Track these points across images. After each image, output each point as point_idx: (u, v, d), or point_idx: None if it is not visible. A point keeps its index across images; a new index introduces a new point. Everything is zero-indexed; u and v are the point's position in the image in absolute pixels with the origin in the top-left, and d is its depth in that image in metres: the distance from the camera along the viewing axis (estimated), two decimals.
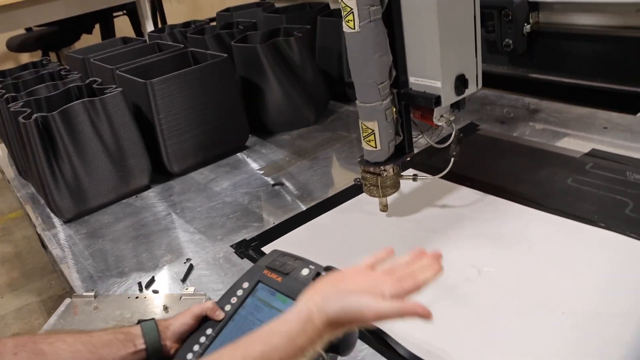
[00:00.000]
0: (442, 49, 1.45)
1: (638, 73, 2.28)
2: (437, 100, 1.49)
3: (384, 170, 1.60)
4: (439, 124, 1.56)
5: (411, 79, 1.55)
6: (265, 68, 2.35)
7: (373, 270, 0.95)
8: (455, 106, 1.58)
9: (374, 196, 1.66)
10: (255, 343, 0.80)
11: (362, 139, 1.61)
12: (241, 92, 2.42)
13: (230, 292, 1.11)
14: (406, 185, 1.85)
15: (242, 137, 2.36)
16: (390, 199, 1.76)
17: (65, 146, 1.90)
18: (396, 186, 1.65)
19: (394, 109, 1.57)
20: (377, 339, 1.24)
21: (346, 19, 1.48)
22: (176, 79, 2.11)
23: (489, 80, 2.71)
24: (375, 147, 1.58)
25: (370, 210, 1.76)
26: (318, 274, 1.04)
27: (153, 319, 1.07)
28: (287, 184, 2.02)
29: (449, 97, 1.50)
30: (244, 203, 1.93)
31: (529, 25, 2.56)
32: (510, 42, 2.60)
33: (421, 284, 0.86)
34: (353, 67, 1.54)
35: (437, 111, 1.55)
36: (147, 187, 2.15)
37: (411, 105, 1.60)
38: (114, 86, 2.06)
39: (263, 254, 1.60)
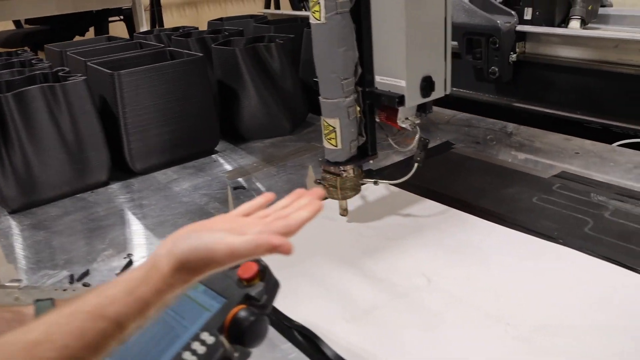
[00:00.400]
0: (408, 47, 1.40)
1: (614, 107, 2.28)
2: (401, 100, 1.44)
3: (344, 170, 1.54)
4: (403, 125, 1.51)
5: (377, 78, 1.50)
6: (243, 72, 2.30)
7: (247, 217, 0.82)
8: (422, 109, 1.53)
9: (334, 198, 1.59)
10: (90, 296, 0.67)
11: (323, 137, 1.55)
12: (217, 96, 2.37)
13: None
14: (370, 194, 1.80)
15: (211, 140, 2.30)
16: (352, 205, 1.70)
17: (18, 131, 1.81)
18: (356, 189, 1.59)
19: (358, 108, 1.52)
20: (308, 342, 1.18)
21: (313, 9, 1.44)
22: (146, 72, 2.06)
23: (475, 107, 2.72)
24: (336, 146, 1.52)
25: (331, 215, 1.69)
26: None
27: (51, 298, 0.98)
28: (249, 188, 1.95)
29: (413, 97, 1.45)
30: (200, 204, 1.86)
31: (515, 54, 2.54)
32: (496, 69, 2.57)
33: (294, 224, 0.74)
34: (317, 61, 1.49)
35: (401, 112, 1.50)
36: (105, 184, 2.06)
37: (376, 107, 1.55)
38: (80, 75, 2.00)
39: None
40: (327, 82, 1.48)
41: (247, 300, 0.89)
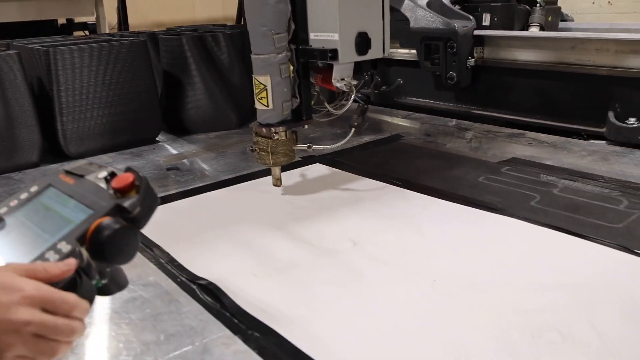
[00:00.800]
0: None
1: (574, 109, 2.22)
2: (334, 54, 1.35)
3: (276, 133, 1.44)
4: (338, 85, 1.42)
5: (311, 36, 1.42)
6: (189, 62, 2.22)
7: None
8: (359, 70, 1.44)
9: (265, 164, 1.49)
10: None
11: (255, 97, 1.45)
12: (163, 87, 2.28)
13: (14, 195, 0.91)
14: (310, 173, 1.70)
15: (153, 129, 2.19)
16: (290, 181, 1.60)
17: None
18: (289, 155, 1.48)
19: (291, 67, 1.43)
20: (210, 296, 1.07)
21: None
22: (83, 50, 1.97)
23: (433, 115, 2.65)
24: (267, 106, 1.42)
25: (266, 190, 1.58)
26: (113, 175, 0.83)
27: None
28: (184, 169, 1.83)
29: (348, 53, 1.37)
30: None
31: (473, 59, 2.48)
32: (454, 74, 2.51)
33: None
34: (248, 14, 1.41)
35: (336, 71, 1.41)
36: (35, 165, 1.93)
37: (311, 67, 1.46)
38: (13, 50, 1.90)
39: None
40: (258, 36, 1.39)
41: (118, 212, 0.77)
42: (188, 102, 2.25)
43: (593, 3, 3.54)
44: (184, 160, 1.93)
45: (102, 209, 0.77)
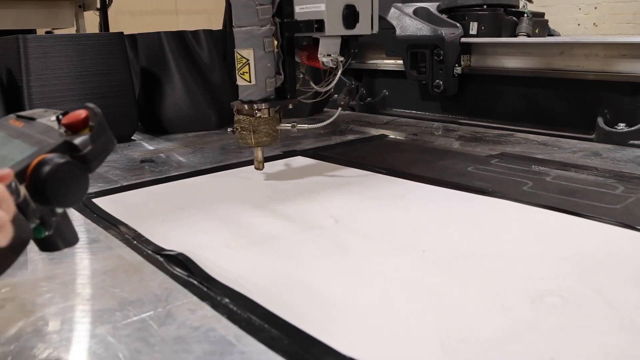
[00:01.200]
0: None
1: (562, 116, 2.18)
2: (320, 25, 1.29)
3: (258, 110, 1.36)
4: (324, 60, 1.35)
5: (297, 9, 1.35)
6: (168, 59, 2.15)
7: None
8: (346, 46, 1.38)
9: (247, 144, 1.40)
10: None
11: (236, 72, 1.37)
12: (141, 87, 2.20)
13: None
14: (294, 162, 1.63)
15: (128, 127, 2.11)
16: (272, 169, 1.51)
17: None
18: (272, 135, 1.40)
19: (275, 42, 1.36)
20: (180, 267, 0.97)
21: None
22: (55, 39, 1.89)
23: None
24: (250, 82, 1.35)
25: (247, 176, 1.50)
26: (65, 113, 0.75)
27: None
28: (159, 161, 1.75)
29: (334, 26, 1.30)
30: (99, 172, 1.64)
31: (459, 67, 2.44)
32: (441, 83, 2.46)
33: None
34: None
35: (322, 46, 1.34)
36: None
37: (296, 44, 1.39)
38: None
39: (94, 206, 1.31)
40: (241, 7, 1.33)
41: (66, 150, 0.68)
42: (166, 101, 2.17)
43: (578, 25, 3.57)
44: (160, 154, 1.84)
45: (48, 145, 0.69)
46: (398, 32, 2.54)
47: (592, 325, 0.75)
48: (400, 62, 2.63)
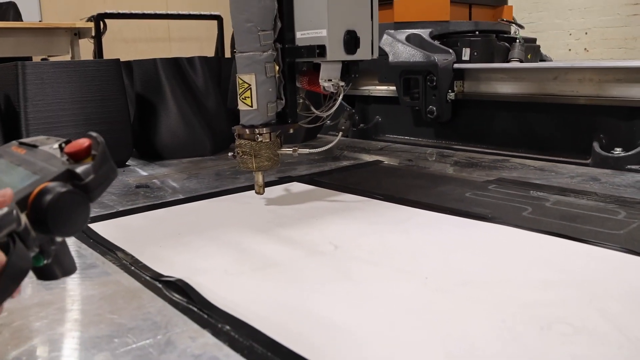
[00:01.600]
0: None
1: (556, 141, 2.20)
2: (322, 51, 1.29)
3: (259, 134, 1.35)
4: (325, 85, 1.35)
5: (298, 35, 1.36)
6: (163, 85, 2.14)
7: None
8: (346, 71, 1.38)
9: (248, 168, 1.39)
10: None
11: (238, 97, 1.37)
12: (136, 113, 2.19)
13: None
14: (293, 188, 1.62)
15: (123, 152, 2.09)
16: (272, 194, 1.50)
17: None
18: (273, 160, 1.39)
19: (277, 67, 1.36)
20: (179, 293, 0.96)
21: None
22: (53, 66, 1.88)
23: None
24: (251, 106, 1.34)
25: (247, 201, 1.49)
26: (68, 141, 0.74)
27: None
28: (154, 187, 1.73)
29: (336, 51, 1.31)
30: None
31: (453, 93, 2.45)
32: (434, 109, 2.47)
33: None
34: (233, 10, 1.34)
35: (324, 70, 1.34)
36: None
37: (297, 70, 1.39)
38: None
39: (91, 231, 1.29)
40: (243, 32, 1.33)
41: (69, 178, 0.67)
42: (161, 127, 2.16)
43: (569, 50, 3.61)
44: (155, 180, 1.83)
45: (50, 174, 0.68)
46: (391, 58, 2.56)
47: (606, 354, 0.74)
48: (393, 88, 2.64)
